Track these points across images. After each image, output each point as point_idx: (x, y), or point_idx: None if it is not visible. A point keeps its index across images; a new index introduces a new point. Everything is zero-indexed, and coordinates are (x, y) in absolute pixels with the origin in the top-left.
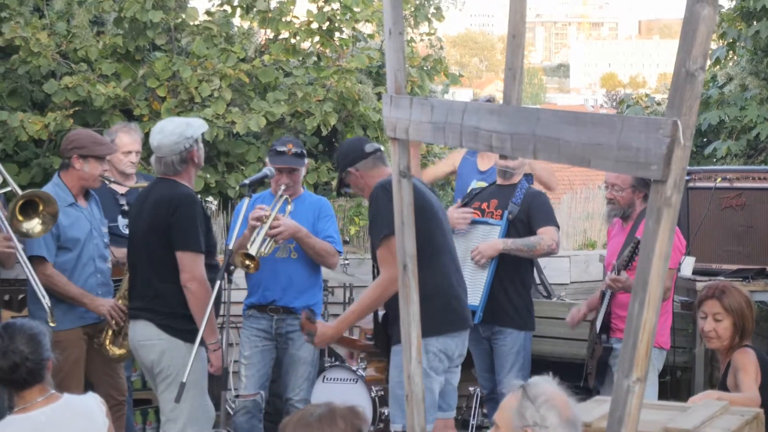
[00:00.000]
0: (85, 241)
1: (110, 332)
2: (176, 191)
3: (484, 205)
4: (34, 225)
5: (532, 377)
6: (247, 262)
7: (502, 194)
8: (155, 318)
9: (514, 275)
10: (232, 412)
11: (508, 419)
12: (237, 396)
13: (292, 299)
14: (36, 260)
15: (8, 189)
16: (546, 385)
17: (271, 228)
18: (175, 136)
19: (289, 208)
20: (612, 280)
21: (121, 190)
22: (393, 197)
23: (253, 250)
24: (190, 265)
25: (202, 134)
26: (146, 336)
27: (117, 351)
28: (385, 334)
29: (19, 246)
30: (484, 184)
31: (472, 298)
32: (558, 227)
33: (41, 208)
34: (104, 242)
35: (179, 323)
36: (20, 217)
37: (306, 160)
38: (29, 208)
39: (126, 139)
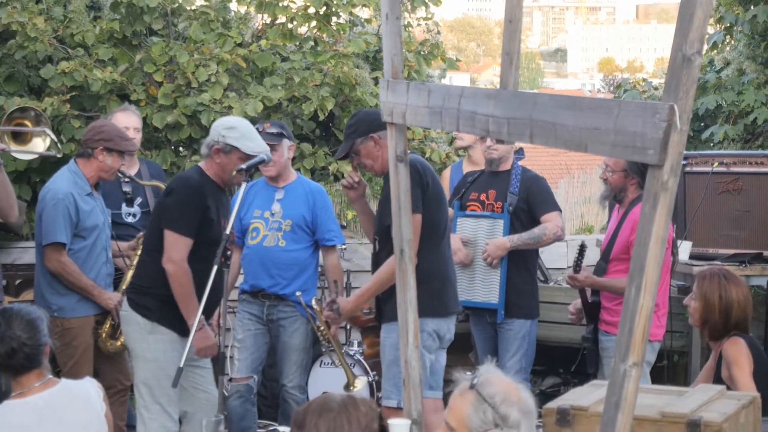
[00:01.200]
0: (100, 230)
1: (109, 325)
2: (184, 175)
3: (483, 197)
4: (36, 143)
5: (477, 372)
6: None
7: (498, 184)
8: (128, 290)
9: (520, 264)
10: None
11: (462, 421)
12: (230, 380)
13: (282, 287)
14: (52, 247)
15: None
16: (495, 379)
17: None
18: (216, 127)
19: (277, 195)
20: (570, 278)
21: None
22: (392, 181)
23: None
24: (170, 245)
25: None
26: (123, 306)
27: (114, 344)
28: (379, 307)
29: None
30: None
31: (488, 296)
32: (560, 211)
33: (30, 125)
34: (110, 233)
35: (141, 299)
36: (17, 144)
37: (287, 141)
38: (22, 135)
39: (122, 116)
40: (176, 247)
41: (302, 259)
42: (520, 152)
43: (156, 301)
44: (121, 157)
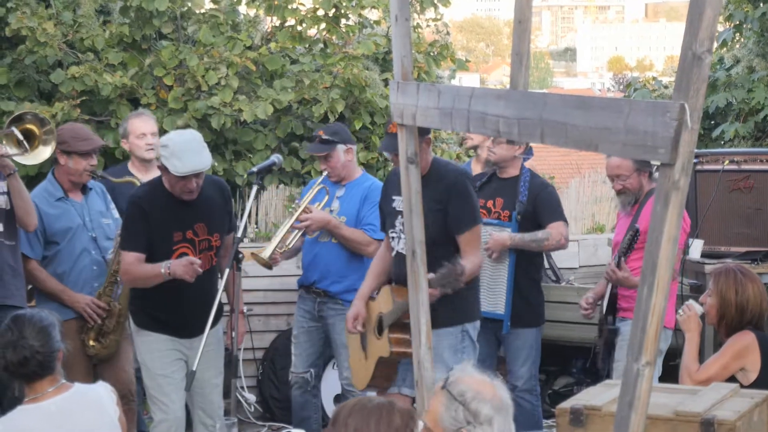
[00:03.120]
0: (75, 232)
1: (92, 330)
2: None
3: (489, 204)
4: (42, 152)
5: (450, 372)
6: (262, 263)
7: (506, 191)
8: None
9: (527, 275)
10: (242, 400)
11: (437, 421)
12: (291, 373)
13: (331, 284)
14: (24, 257)
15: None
16: (467, 377)
17: (299, 221)
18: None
19: (338, 193)
20: (611, 270)
21: (146, 178)
22: (402, 183)
23: (265, 254)
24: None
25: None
26: None
27: (99, 350)
28: None
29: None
30: None
31: (495, 306)
32: (566, 221)
33: (38, 132)
34: (103, 234)
35: (132, 303)
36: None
37: (341, 146)
38: (31, 141)
39: (137, 122)
40: (124, 261)
41: (355, 257)
42: (528, 151)
43: (135, 305)
44: (83, 158)
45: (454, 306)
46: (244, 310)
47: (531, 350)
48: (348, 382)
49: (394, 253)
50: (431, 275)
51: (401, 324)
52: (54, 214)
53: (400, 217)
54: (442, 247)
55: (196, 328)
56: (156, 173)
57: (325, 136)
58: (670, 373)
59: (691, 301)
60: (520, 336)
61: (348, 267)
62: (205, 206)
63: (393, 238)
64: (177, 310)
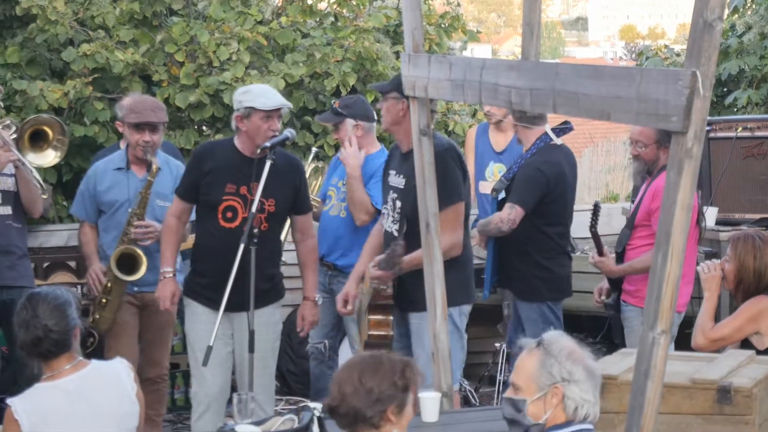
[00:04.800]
0: (119, 207)
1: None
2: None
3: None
4: (48, 154)
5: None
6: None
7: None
8: None
9: (515, 245)
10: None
11: (530, 378)
12: (308, 346)
13: (339, 257)
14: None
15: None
16: (563, 340)
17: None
18: (234, 98)
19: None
20: (595, 262)
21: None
22: (416, 154)
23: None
24: None
25: (252, 106)
26: None
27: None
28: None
29: (20, 156)
30: (501, 167)
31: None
32: (520, 204)
33: (51, 136)
34: (153, 215)
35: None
36: (31, 149)
37: (350, 120)
38: (41, 141)
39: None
40: (173, 202)
41: (360, 231)
42: (566, 124)
43: (189, 275)
44: (135, 131)
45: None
46: (317, 299)
47: (536, 325)
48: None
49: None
50: (378, 257)
51: (382, 306)
52: (105, 184)
53: (392, 192)
54: None
55: (246, 302)
56: None
57: (337, 108)
58: (686, 340)
59: (715, 260)
60: (524, 308)
61: (355, 241)
62: (269, 170)
63: (383, 214)
64: (224, 279)
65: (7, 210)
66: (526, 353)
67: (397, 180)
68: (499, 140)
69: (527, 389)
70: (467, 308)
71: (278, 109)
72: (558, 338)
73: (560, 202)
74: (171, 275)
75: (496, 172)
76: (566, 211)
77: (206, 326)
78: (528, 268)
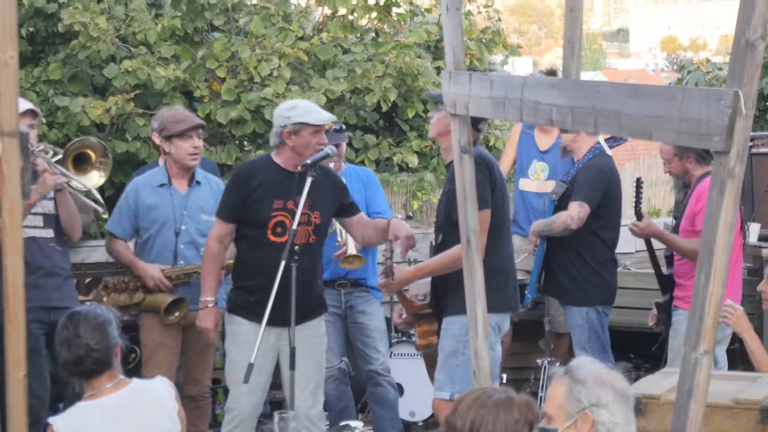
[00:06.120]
0: (164, 225)
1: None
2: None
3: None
4: (92, 176)
5: (572, 359)
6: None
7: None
8: None
9: (567, 247)
10: None
11: (560, 407)
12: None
13: (352, 271)
14: (109, 234)
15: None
16: (590, 364)
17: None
18: (277, 114)
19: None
20: (633, 225)
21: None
22: (456, 172)
23: (352, 250)
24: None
25: (304, 121)
26: None
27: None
28: (439, 298)
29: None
30: (545, 166)
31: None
32: (586, 202)
33: (94, 158)
34: (197, 230)
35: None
36: (75, 172)
37: (345, 135)
38: (84, 163)
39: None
40: (214, 226)
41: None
42: (617, 139)
43: (232, 289)
44: (183, 140)
45: (458, 296)
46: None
47: (582, 331)
48: (384, 368)
49: None
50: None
51: (426, 315)
52: (149, 202)
53: None
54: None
55: (290, 317)
56: None
57: (335, 126)
58: (730, 357)
59: (730, 301)
60: (567, 313)
61: (365, 252)
62: (311, 183)
63: None
64: (267, 293)
65: (50, 233)
66: (555, 381)
67: None
68: (544, 140)
69: (558, 418)
70: (501, 317)
71: (324, 125)
72: (585, 364)
73: (615, 207)
74: (213, 305)
75: (539, 170)
76: (619, 217)
77: (252, 344)
78: (579, 272)
